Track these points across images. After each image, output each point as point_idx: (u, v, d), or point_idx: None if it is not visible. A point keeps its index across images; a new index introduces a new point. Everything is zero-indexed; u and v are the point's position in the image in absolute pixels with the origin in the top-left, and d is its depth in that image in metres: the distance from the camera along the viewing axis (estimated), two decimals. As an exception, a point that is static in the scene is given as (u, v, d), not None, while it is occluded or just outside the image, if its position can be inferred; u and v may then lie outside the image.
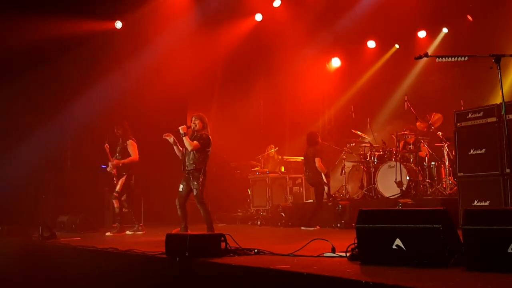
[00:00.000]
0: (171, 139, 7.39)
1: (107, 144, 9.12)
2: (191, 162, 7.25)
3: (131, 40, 11.64)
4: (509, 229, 3.08)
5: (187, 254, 4.30)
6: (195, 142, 7.20)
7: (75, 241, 7.18)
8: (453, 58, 4.74)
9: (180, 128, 7.23)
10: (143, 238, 8.04)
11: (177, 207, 7.31)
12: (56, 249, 6.84)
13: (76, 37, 11.01)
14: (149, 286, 4.77)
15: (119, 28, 11.85)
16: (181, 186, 7.35)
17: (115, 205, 9.07)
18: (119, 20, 11.82)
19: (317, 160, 9.29)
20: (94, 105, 11.21)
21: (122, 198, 9.19)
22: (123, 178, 9.11)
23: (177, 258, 4.40)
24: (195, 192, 7.16)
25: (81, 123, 11.56)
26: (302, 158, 12.22)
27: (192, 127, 7.40)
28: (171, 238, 4.66)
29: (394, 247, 3.51)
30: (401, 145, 9.91)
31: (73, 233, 9.04)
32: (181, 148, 7.42)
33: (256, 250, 4.60)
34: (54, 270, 6.52)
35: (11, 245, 7.78)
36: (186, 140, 7.18)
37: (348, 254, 3.95)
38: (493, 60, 4.60)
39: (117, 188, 9.07)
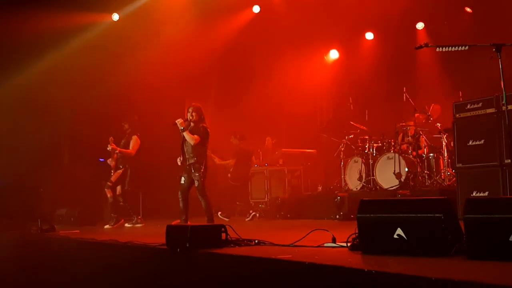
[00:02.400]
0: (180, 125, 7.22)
1: (111, 137, 9.19)
2: (191, 156, 7.22)
3: (128, 32, 11.58)
4: (510, 218, 3.08)
5: (188, 245, 4.31)
6: (195, 136, 7.17)
7: (74, 234, 7.18)
8: (453, 47, 4.74)
9: (177, 122, 7.17)
10: (142, 230, 8.05)
11: (180, 199, 7.29)
12: (55, 241, 6.84)
13: (73, 29, 10.96)
14: (150, 277, 4.77)
15: (116, 20, 11.79)
16: (182, 178, 7.32)
17: (108, 195, 9.19)
18: (116, 12, 11.76)
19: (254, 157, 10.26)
20: (92, 99, 11.18)
21: (117, 193, 9.25)
22: (120, 171, 9.20)
23: (178, 249, 4.40)
24: (196, 183, 7.15)
25: (79, 116, 11.53)
26: (301, 150, 12.32)
27: (188, 119, 7.34)
28: (171, 229, 4.66)
29: (395, 236, 3.51)
30: (400, 137, 9.91)
31: (71, 226, 9.04)
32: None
33: (256, 241, 4.61)
34: (54, 263, 6.52)
35: (10, 238, 7.78)
36: (187, 135, 7.14)
37: (349, 244, 3.95)
38: (494, 50, 4.59)
39: (112, 178, 9.14)
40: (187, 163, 7.25)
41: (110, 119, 11.35)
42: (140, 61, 11.37)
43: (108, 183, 9.18)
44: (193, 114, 7.31)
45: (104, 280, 5.40)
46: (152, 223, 9.24)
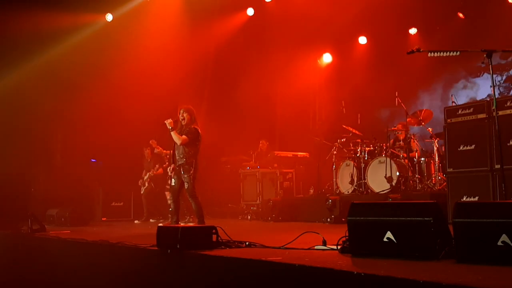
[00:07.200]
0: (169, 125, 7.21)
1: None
2: (181, 157, 7.21)
3: (121, 34, 11.56)
4: (498, 222, 3.11)
5: (178, 246, 4.30)
6: (183, 136, 7.15)
7: (65, 234, 7.15)
8: (445, 53, 4.77)
9: (166, 122, 7.15)
10: (133, 231, 8.02)
11: (170, 201, 7.28)
12: (46, 241, 6.80)
13: (66, 29, 10.93)
14: (140, 278, 4.76)
15: (109, 21, 11.76)
16: (173, 180, 7.31)
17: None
18: (110, 13, 11.74)
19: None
20: (84, 99, 11.14)
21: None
22: None
23: (169, 250, 4.40)
24: (186, 185, 7.13)
25: (71, 116, 11.48)
26: (293, 153, 12.34)
27: (180, 120, 7.33)
28: (162, 230, 4.66)
29: (385, 239, 3.53)
30: (391, 141, 9.96)
31: (62, 227, 8.99)
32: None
33: (247, 243, 4.61)
34: (44, 263, 6.49)
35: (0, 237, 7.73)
36: (174, 135, 7.13)
37: (339, 247, 3.97)
38: (485, 55, 4.63)
39: None
40: (177, 163, 7.24)
41: (102, 119, 11.33)
42: (133, 63, 11.36)
43: None
44: (184, 115, 7.29)
45: (94, 280, 5.38)
46: (143, 224, 9.22)
